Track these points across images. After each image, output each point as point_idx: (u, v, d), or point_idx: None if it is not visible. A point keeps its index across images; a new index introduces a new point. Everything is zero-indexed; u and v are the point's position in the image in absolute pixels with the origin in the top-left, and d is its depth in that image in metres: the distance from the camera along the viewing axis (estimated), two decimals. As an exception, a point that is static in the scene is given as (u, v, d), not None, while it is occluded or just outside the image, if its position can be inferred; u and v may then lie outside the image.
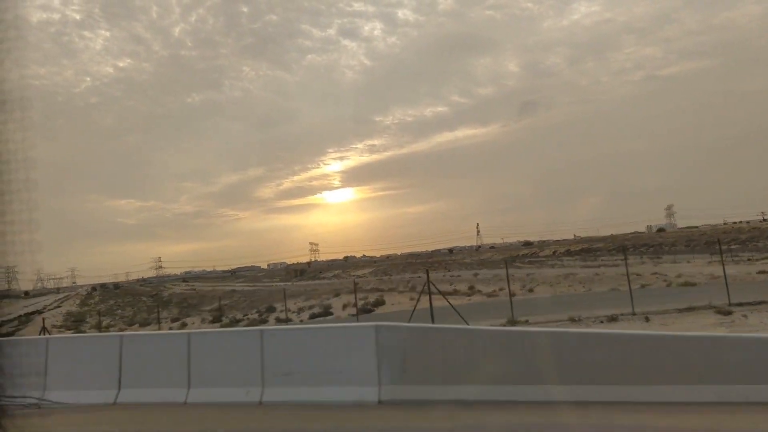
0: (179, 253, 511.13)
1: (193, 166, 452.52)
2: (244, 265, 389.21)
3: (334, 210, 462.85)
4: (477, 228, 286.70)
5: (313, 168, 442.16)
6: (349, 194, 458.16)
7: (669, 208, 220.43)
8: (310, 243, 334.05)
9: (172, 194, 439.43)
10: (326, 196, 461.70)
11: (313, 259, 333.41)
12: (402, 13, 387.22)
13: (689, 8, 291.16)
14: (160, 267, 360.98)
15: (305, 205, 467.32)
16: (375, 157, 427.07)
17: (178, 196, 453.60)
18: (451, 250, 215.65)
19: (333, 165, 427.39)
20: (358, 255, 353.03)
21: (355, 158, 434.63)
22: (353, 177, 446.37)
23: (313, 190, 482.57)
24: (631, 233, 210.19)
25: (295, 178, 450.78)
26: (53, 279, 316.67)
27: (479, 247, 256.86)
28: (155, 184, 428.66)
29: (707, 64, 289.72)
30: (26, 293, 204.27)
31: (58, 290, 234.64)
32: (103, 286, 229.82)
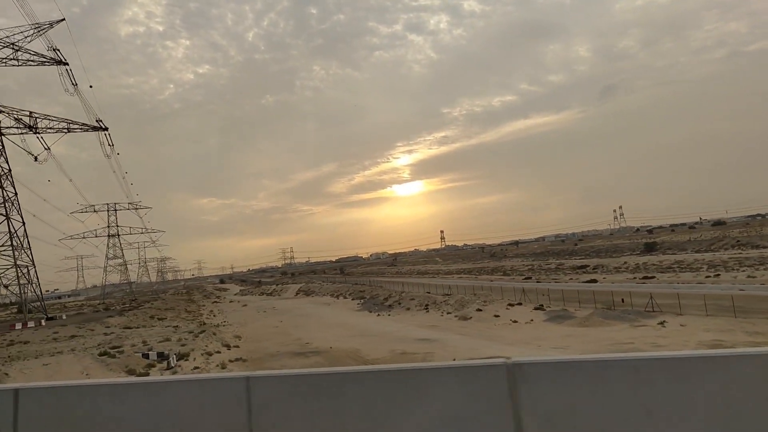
0: (260, 247, 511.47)
1: (270, 165, 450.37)
2: (347, 256, 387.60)
3: (404, 203, 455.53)
4: (619, 211, 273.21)
5: (383, 162, 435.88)
6: (419, 187, 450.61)
7: None
8: (441, 231, 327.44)
9: (251, 192, 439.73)
10: (396, 190, 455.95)
11: (443, 245, 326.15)
12: (468, 4, 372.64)
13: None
14: (292, 257, 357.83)
15: (376, 199, 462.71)
16: (443, 149, 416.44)
17: (256, 193, 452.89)
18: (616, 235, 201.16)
19: (402, 158, 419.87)
20: (460, 244, 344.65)
21: (423, 151, 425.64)
22: (422, 170, 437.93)
23: (383, 184, 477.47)
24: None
25: (366, 172, 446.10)
26: (177, 270, 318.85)
27: (638, 229, 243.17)
28: (234, 182, 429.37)
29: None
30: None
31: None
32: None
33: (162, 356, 30.54)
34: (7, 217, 55.57)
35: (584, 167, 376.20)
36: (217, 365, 27.94)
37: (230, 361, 29.52)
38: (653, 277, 55.29)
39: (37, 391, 3.99)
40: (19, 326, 51.45)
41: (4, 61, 57.60)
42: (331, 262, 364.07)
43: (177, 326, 49.73)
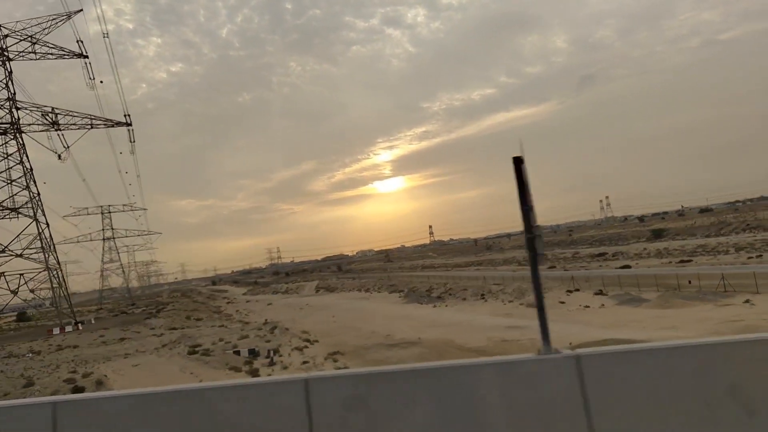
0: (242, 249, 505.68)
1: (248, 164, 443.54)
2: (333, 254, 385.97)
3: (386, 200, 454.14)
4: (605, 201, 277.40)
5: (364, 159, 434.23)
6: (400, 183, 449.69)
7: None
8: (429, 226, 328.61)
9: (230, 192, 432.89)
10: (377, 186, 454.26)
11: (432, 240, 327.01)
12: None
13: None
14: (279, 258, 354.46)
15: (357, 196, 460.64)
16: (424, 144, 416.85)
17: (235, 193, 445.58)
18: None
19: (383, 155, 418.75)
20: (445, 239, 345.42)
21: (404, 146, 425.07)
22: (403, 165, 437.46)
23: (365, 181, 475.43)
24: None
25: (347, 170, 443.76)
26: (160, 274, 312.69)
27: (626, 219, 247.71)
28: (213, 182, 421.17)
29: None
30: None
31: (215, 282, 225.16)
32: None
33: (253, 353, 29.58)
34: (35, 218, 53.21)
35: (564, 159, 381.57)
36: (325, 358, 27.13)
37: (330, 354, 28.68)
38: (690, 261, 55.95)
39: (75, 404, 3.84)
40: (56, 331, 49.54)
41: (21, 54, 55.14)
42: (317, 260, 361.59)
43: (223, 325, 48.44)
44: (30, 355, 40.42)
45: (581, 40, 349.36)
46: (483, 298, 45.59)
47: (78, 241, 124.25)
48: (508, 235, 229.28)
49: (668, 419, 3.15)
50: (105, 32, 55.80)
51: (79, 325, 51.77)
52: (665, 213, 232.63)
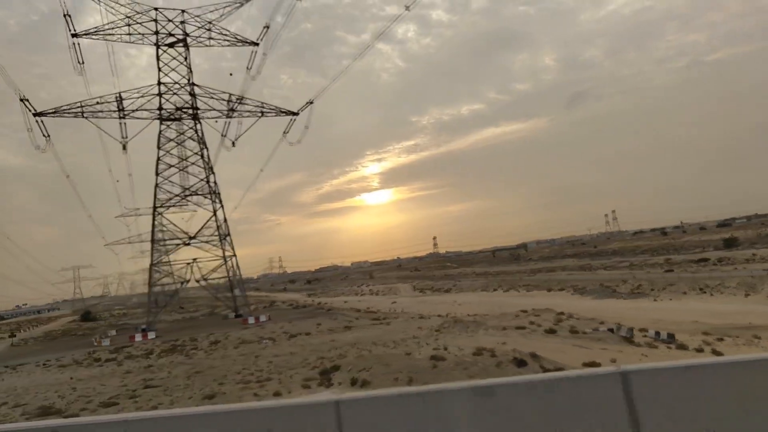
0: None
1: (237, 174, 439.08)
2: (325, 266, 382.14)
3: (374, 212, 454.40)
4: (611, 215, 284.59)
5: (352, 171, 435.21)
6: (388, 195, 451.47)
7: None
8: (434, 237, 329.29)
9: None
10: (365, 198, 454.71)
11: (435, 251, 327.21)
12: (435, 14, 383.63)
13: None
14: (280, 266, 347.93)
15: (345, 208, 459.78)
16: (412, 157, 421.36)
17: (223, 203, 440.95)
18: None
19: (371, 167, 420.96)
20: (441, 251, 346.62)
21: (392, 159, 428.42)
22: (391, 178, 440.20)
23: (352, 193, 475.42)
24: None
25: (335, 181, 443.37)
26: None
27: (635, 233, 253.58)
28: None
29: (757, 46, 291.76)
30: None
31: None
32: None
33: (612, 331, 29.14)
34: (221, 204, 51.12)
35: (555, 174, 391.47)
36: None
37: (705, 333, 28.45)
38: None
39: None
40: (252, 320, 47.86)
41: (199, 40, 53.33)
42: (310, 271, 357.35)
43: (413, 317, 47.33)
44: (266, 341, 38.88)
45: (570, 59, 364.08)
46: (703, 292, 46.02)
47: (130, 242, 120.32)
48: (525, 247, 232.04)
49: None
50: None
51: (269, 315, 50.18)
52: (663, 229, 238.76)
